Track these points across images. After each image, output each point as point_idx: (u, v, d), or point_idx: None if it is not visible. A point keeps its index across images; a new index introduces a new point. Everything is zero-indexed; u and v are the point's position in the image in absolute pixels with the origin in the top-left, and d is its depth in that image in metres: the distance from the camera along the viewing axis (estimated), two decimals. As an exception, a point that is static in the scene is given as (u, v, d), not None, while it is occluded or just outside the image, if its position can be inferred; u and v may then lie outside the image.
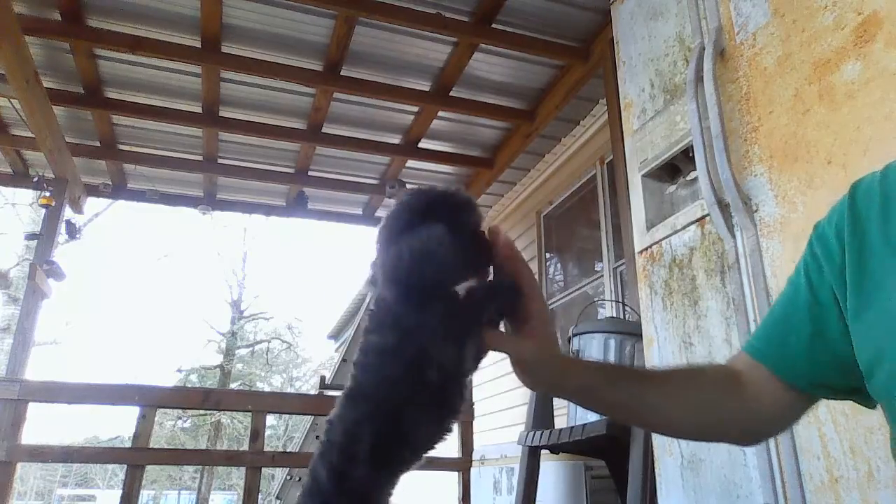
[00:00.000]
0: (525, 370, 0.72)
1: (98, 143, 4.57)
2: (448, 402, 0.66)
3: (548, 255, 5.57)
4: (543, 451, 2.80)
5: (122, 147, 4.66)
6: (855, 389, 0.76)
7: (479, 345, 0.67)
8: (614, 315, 4.16)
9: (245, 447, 4.08)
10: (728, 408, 0.81)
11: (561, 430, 2.57)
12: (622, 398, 0.78)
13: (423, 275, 0.63)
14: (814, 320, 0.75)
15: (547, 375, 0.74)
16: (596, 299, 4.67)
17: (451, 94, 4.04)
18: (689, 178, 1.83)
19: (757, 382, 0.80)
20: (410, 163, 4.92)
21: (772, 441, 1.40)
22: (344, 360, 6.29)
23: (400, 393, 0.63)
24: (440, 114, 4.28)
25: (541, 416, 2.88)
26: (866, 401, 0.77)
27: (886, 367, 0.65)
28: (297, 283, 47.57)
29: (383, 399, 0.63)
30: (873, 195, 0.71)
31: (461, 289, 0.68)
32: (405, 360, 0.64)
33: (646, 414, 0.81)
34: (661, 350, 1.80)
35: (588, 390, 0.77)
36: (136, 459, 3.66)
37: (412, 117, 4.37)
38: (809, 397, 0.80)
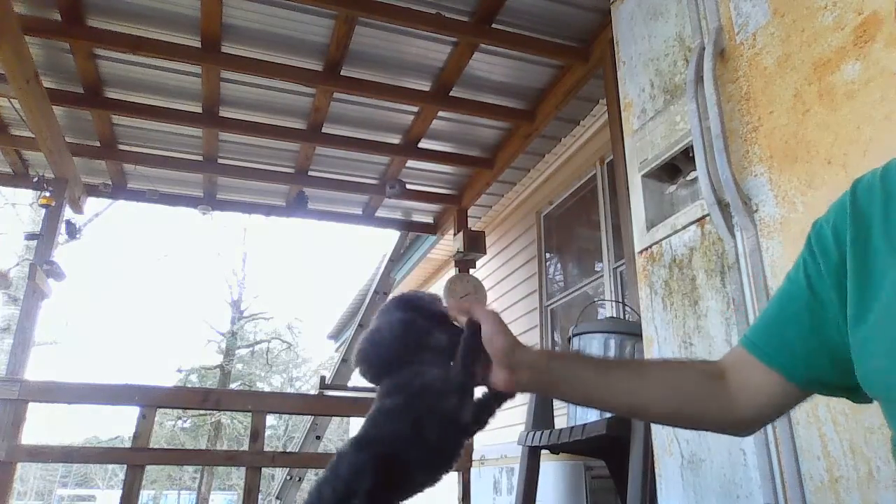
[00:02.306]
0: (515, 388, 0.89)
1: (98, 143, 4.57)
2: (443, 458, 0.84)
3: (548, 255, 5.57)
4: (543, 451, 2.81)
5: (122, 147, 4.66)
6: (849, 387, 0.77)
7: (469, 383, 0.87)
8: (614, 315, 4.16)
9: (245, 447, 4.07)
10: (705, 404, 0.86)
11: (561, 430, 2.57)
12: (611, 402, 0.91)
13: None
14: (813, 317, 0.76)
15: (535, 388, 0.91)
16: (596, 299, 4.67)
17: (451, 94, 4.04)
18: (689, 178, 1.83)
19: (749, 377, 0.82)
20: (410, 163, 4.91)
21: (772, 441, 1.40)
22: (344, 359, 6.28)
23: (400, 446, 0.81)
24: (440, 114, 4.28)
25: (541, 416, 2.88)
26: (859, 398, 0.78)
27: (885, 364, 0.66)
28: (297, 283, 47.56)
29: (387, 449, 0.81)
30: (875, 192, 0.71)
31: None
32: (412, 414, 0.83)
33: (627, 408, 0.92)
34: (661, 350, 1.80)
35: (578, 397, 0.93)
36: (136, 459, 3.65)
37: (412, 117, 4.36)
38: (803, 392, 0.81)
